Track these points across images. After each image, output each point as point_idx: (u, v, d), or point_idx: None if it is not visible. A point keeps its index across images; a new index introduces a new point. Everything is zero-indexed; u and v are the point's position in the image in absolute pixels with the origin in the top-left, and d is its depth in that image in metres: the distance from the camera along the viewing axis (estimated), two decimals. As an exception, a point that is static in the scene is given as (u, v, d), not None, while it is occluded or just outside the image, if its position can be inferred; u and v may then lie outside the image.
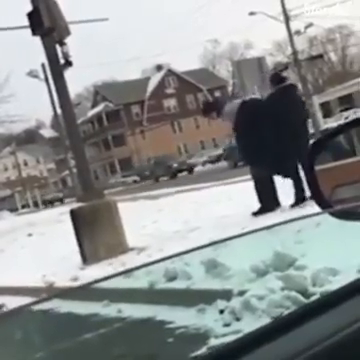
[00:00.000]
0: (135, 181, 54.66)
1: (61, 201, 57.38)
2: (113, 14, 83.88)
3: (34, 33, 8.27)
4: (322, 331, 0.78)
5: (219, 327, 3.84)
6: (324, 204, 1.43)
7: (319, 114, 35.91)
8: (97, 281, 0.99)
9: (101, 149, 72.15)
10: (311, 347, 0.75)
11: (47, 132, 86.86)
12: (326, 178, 1.61)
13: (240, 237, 0.99)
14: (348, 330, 0.77)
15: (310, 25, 36.57)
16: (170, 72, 72.42)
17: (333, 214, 1.31)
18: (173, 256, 0.93)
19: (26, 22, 8.39)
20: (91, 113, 73.74)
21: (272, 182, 8.28)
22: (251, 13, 35.91)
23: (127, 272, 1.02)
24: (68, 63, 8.18)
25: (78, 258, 8.09)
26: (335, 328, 0.78)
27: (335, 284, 3.06)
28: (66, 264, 8.09)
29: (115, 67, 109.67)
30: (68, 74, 8.59)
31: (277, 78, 8.64)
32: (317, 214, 1.19)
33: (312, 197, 1.47)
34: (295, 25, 35.77)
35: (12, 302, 5.32)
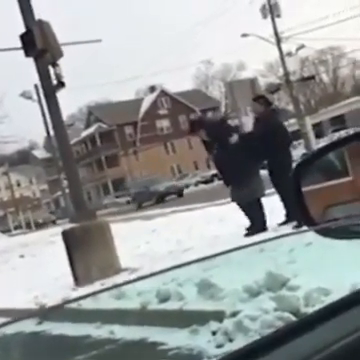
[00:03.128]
0: (128, 202, 54.53)
1: (53, 223, 57.16)
2: (107, 35, 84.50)
3: (27, 54, 8.30)
4: (314, 345, 0.78)
5: (212, 348, 3.81)
6: (312, 224, 1.43)
7: (312, 135, 36.07)
8: (84, 297, 0.99)
9: (94, 170, 72.12)
10: None
11: (40, 153, 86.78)
12: (318, 198, 1.61)
13: (229, 253, 0.99)
14: (341, 343, 0.78)
15: (302, 47, 36.89)
16: (163, 93, 72.74)
17: (319, 232, 1.31)
18: (164, 271, 0.93)
19: (19, 44, 8.43)
20: (84, 134, 73.82)
21: (259, 202, 8.32)
22: (244, 35, 36.23)
23: (116, 287, 1.01)
24: (61, 84, 8.21)
25: (70, 279, 8.04)
26: (327, 342, 0.78)
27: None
28: (58, 285, 8.03)
29: (109, 88, 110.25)
30: (61, 95, 8.62)
31: (260, 101, 8.58)
32: (303, 231, 1.20)
33: (300, 217, 1.47)
34: (287, 47, 36.15)
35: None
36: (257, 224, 8.13)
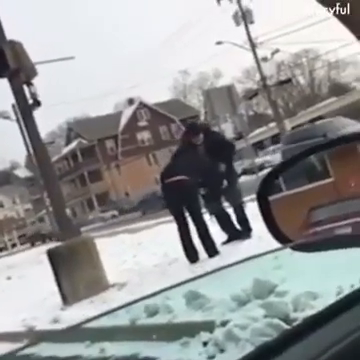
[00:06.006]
0: (114, 216, 54.35)
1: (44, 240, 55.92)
2: (79, 51, 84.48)
3: (0, 75, 8.26)
4: (306, 354, 0.78)
5: (204, 360, 3.78)
6: (281, 238, 1.42)
7: (292, 137, 36.24)
8: (82, 323, 0.96)
9: (77, 185, 71.89)
10: None
11: (22, 172, 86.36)
12: (301, 201, 1.61)
13: (218, 271, 0.99)
14: (333, 350, 0.78)
15: (276, 51, 37.17)
16: (142, 105, 72.82)
17: (293, 248, 1.31)
18: (156, 293, 0.91)
19: (-8, 65, 8.37)
20: (65, 150, 73.63)
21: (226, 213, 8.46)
22: (218, 42, 36.45)
23: (111, 312, 0.99)
24: (37, 103, 8.17)
25: (58, 299, 7.97)
26: (319, 349, 0.78)
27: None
28: (46, 306, 7.96)
29: (87, 103, 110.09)
30: (39, 113, 8.59)
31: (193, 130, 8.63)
32: (278, 249, 1.19)
33: (269, 231, 1.46)
34: (262, 52, 36.38)
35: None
36: (231, 234, 8.32)
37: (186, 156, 8.16)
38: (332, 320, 0.84)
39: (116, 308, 0.96)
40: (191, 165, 7.97)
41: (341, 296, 0.89)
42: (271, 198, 1.54)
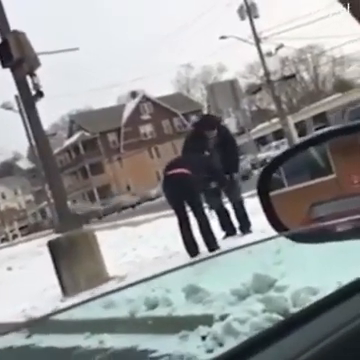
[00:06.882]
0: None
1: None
2: (85, 43, 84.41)
3: (3, 65, 8.26)
4: (301, 344, 0.78)
5: (202, 353, 3.78)
6: (280, 228, 1.42)
7: (295, 133, 36.25)
8: (70, 307, 0.95)
9: (79, 178, 71.85)
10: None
11: (24, 163, 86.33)
12: (303, 197, 1.60)
13: (217, 257, 0.99)
14: (327, 340, 0.79)
15: (281, 46, 37.04)
16: (145, 98, 72.70)
17: (288, 237, 1.31)
18: (152, 277, 0.91)
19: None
20: (67, 142, 73.55)
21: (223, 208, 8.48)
22: (222, 37, 36.33)
23: (104, 296, 0.99)
24: (39, 94, 8.16)
25: (58, 290, 7.98)
26: (314, 340, 0.79)
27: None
28: (46, 297, 7.97)
29: (90, 96, 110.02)
30: (43, 104, 8.58)
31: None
32: (273, 237, 1.19)
33: (268, 221, 1.46)
34: (266, 47, 36.27)
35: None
36: (228, 229, 8.36)
37: (196, 148, 8.04)
38: (326, 312, 0.85)
39: (112, 290, 0.96)
40: (200, 159, 7.91)
41: (335, 289, 0.90)
42: (273, 193, 1.53)
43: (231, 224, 8.34)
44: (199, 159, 7.88)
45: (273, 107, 46.07)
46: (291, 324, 0.83)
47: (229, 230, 8.30)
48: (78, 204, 58.23)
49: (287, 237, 1.33)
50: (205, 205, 8.34)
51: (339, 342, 0.79)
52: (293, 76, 49.14)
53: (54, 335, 5.25)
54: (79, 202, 62.79)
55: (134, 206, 51.55)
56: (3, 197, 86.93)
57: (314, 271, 3.36)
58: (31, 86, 8.18)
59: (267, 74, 35.27)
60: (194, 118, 66.07)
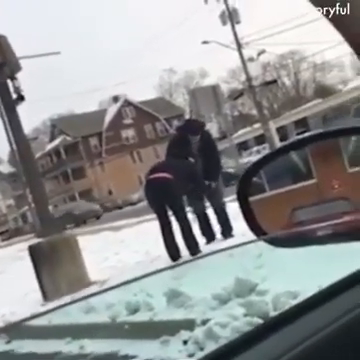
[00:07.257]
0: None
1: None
2: (67, 48, 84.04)
3: (-16, 69, 8.20)
4: (281, 346, 0.79)
5: (183, 358, 3.78)
6: (260, 233, 1.43)
7: (276, 138, 36.47)
8: (50, 311, 0.95)
9: (61, 182, 71.53)
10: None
11: (5, 167, 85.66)
12: (284, 202, 1.61)
13: (198, 259, 1.00)
14: (307, 342, 0.79)
15: (262, 52, 37.25)
16: (127, 102, 72.62)
17: (269, 241, 1.32)
18: (133, 280, 0.91)
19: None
20: (49, 147, 73.20)
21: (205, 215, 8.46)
22: (204, 42, 36.44)
23: (84, 299, 0.98)
24: (20, 98, 8.13)
25: (39, 295, 7.93)
26: (294, 342, 0.79)
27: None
28: (26, 302, 7.91)
29: (72, 100, 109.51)
30: (24, 108, 8.54)
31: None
32: (252, 241, 1.20)
33: (248, 226, 1.47)
34: (248, 52, 36.43)
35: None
36: (208, 235, 8.33)
37: (179, 153, 8.02)
38: (306, 315, 0.85)
39: (92, 294, 0.95)
40: (183, 164, 7.90)
41: (314, 292, 0.90)
42: (255, 198, 1.54)
43: (211, 230, 8.34)
44: (182, 164, 7.87)
45: (255, 112, 46.25)
46: (270, 327, 0.83)
47: (208, 236, 8.29)
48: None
49: (268, 241, 1.34)
50: (188, 209, 8.34)
51: (318, 344, 0.80)
52: (274, 81, 49.47)
53: (34, 340, 5.21)
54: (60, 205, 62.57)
55: (99, 217, 42.75)
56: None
57: (294, 275, 3.39)
58: (12, 90, 8.16)
59: (249, 79, 35.45)
60: (177, 122, 66.17)
